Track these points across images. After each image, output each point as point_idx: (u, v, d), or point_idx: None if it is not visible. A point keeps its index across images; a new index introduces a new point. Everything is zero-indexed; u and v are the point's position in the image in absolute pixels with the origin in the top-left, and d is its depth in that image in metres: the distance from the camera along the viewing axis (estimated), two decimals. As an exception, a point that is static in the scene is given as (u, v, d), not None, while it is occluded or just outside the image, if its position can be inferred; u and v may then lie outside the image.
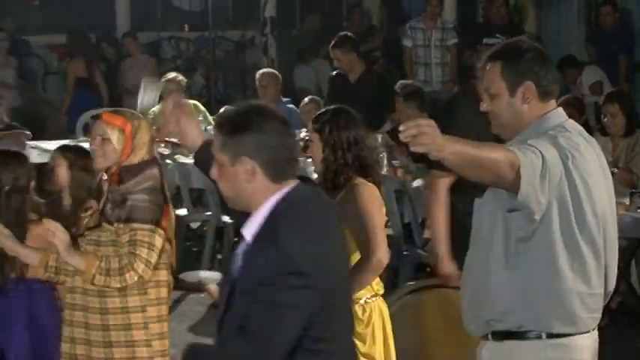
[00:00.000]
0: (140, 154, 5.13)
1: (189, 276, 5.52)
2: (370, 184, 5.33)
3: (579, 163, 4.05)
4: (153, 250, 4.99)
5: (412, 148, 3.72)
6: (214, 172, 3.76)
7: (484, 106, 4.24)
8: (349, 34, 11.38)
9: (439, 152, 3.73)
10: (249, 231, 3.56)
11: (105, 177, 5.13)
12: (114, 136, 5.06)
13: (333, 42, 10.95)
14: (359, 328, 5.19)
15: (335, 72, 11.40)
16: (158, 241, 5.02)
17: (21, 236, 5.27)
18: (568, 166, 4.01)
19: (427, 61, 12.83)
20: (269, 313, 3.36)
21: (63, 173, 5.59)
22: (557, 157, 3.98)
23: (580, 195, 4.04)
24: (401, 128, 3.66)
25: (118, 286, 4.96)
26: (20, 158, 5.70)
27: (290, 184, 3.58)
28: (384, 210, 5.39)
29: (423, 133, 3.67)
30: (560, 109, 4.21)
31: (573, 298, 4.08)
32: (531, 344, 4.14)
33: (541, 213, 3.97)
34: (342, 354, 3.65)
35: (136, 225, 4.97)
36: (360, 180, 5.30)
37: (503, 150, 3.89)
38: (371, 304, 5.37)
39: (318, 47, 15.69)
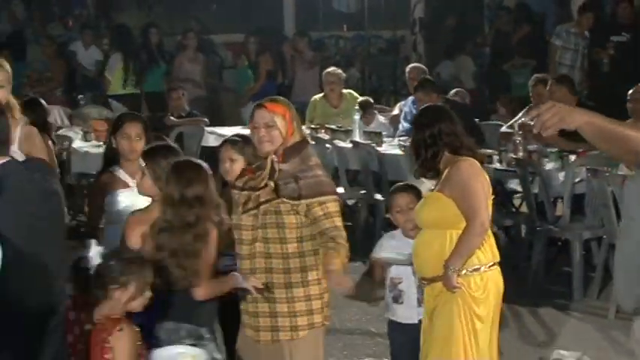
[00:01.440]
0: (296, 136, 5.18)
1: (381, 256, 5.63)
2: (469, 158, 5.36)
3: None
4: (340, 217, 5.08)
5: (544, 134, 3.67)
6: None
7: None
8: (430, 78, 11.12)
9: (572, 123, 3.65)
10: None
11: (275, 158, 5.17)
12: (279, 122, 5.11)
13: (416, 85, 10.67)
14: (477, 294, 5.25)
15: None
16: (339, 207, 5.11)
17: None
18: None
19: (573, 64, 12.59)
20: None
21: (238, 168, 5.59)
22: None
23: None
24: (528, 121, 3.60)
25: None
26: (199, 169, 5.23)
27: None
28: (483, 179, 5.36)
29: (552, 114, 3.59)
30: None
31: None
32: None
33: None
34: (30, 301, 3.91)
35: (323, 198, 5.03)
36: (458, 157, 5.35)
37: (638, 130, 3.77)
38: (489, 273, 5.32)
39: (462, 44, 15.60)
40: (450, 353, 5.27)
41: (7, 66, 5.93)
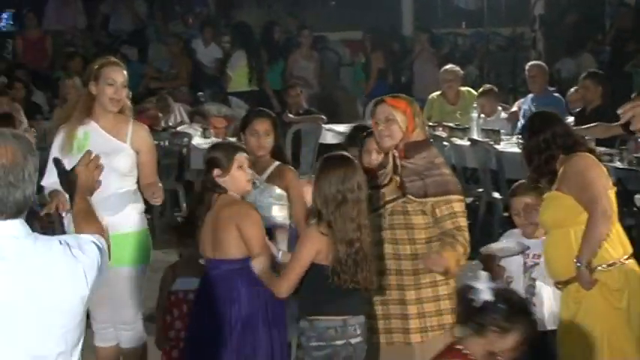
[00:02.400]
0: (419, 134, 5.16)
1: (492, 248, 5.57)
2: (583, 153, 5.31)
3: None
4: (465, 217, 5.06)
5: (631, 128, 3.64)
6: None
7: None
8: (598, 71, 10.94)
9: None
10: None
11: (396, 153, 5.17)
12: (398, 117, 5.11)
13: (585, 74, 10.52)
14: (617, 286, 5.17)
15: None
16: (464, 207, 5.09)
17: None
18: None
19: None
20: None
21: (376, 159, 5.57)
22: None
23: None
24: (619, 112, 3.58)
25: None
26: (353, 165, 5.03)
27: None
28: (600, 171, 5.29)
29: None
30: None
31: None
32: None
33: None
34: None
35: (449, 197, 5.01)
36: (572, 154, 5.28)
37: None
38: (626, 265, 5.24)
39: (582, 42, 15.35)
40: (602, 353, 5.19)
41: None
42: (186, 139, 11.07)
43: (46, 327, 2.96)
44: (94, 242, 3.15)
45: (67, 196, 5.61)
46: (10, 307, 2.91)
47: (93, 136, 5.83)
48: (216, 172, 5.20)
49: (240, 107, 13.44)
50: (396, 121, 5.08)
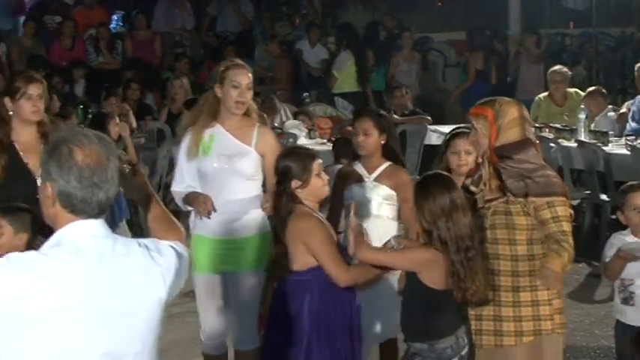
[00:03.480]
0: (514, 134, 5.03)
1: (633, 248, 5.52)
2: None
3: None
4: (569, 221, 4.94)
5: None
6: None
7: None
8: None
9: None
10: None
11: (480, 160, 5.11)
12: (479, 125, 5.06)
13: None
14: None
15: None
16: (568, 211, 4.97)
17: None
18: None
19: None
20: None
21: (472, 161, 5.53)
22: None
23: None
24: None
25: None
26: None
27: None
28: None
29: None
30: None
31: None
32: None
33: None
34: None
35: (552, 199, 4.90)
36: None
37: None
38: None
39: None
40: None
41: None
42: (292, 140, 11.15)
43: (122, 327, 2.98)
44: (172, 247, 3.16)
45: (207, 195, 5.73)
46: (87, 305, 2.92)
47: (218, 139, 5.85)
48: (294, 183, 5.08)
49: (345, 108, 13.50)
50: (477, 130, 5.05)
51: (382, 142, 5.97)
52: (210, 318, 5.98)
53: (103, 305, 2.94)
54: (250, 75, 5.92)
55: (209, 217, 5.75)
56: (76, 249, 2.95)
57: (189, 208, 5.88)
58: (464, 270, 4.66)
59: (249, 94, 5.89)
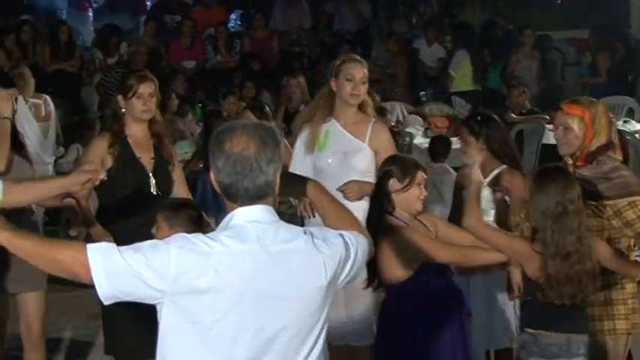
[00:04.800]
0: (602, 137, 4.99)
1: None
2: None
3: None
4: None
5: None
6: None
7: None
8: None
9: None
10: None
11: (570, 161, 5.03)
12: (575, 125, 4.96)
13: None
14: None
15: None
16: None
17: None
18: None
19: None
20: None
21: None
22: None
23: None
24: None
25: None
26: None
27: None
28: None
29: None
30: None
31: None
32: None
33: None
34: None
35: (633, 198, 4.84)
36: None
37: None
38: None
39: None
40: None
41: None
42: (407, 139, 11.11)
43: (276, 309, 3.10)
44: (342, 236, 3.25)
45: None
46: (240, 286, 3.06)
47: (333, 135, 5.91)
48: (392, 182, 5.00)
49: (462, 107, 13.40)
50: (572, 129, 4.95)
51: (482, 147, 5.87)
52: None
53: (257, 287, 3.08)
54: (365, 70, 5.96)
55: (308, 217, 5.81)
56: (238, 233, 3.11)
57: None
58: (558, 274, 4.61)
59: (363, 88, 5.93)
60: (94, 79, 13.75)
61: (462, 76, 13.88)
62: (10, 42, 13.80)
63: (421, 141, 11.22)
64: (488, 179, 5.85)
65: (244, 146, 3.14)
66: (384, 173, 5.08)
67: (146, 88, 5.75)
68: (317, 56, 15.50)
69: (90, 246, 3.06)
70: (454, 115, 12.43)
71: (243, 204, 3.17)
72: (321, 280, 3.16)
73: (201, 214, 4.92)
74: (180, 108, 11.56)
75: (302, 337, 3.16)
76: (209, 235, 3.12)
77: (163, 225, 4.83)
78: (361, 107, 5.99)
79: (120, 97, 5.78)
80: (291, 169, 6.02)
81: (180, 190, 5.91)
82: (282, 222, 3.20)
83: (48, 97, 10.26)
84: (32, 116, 9.93)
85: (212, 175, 3.20)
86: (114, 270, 3.01)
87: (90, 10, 17.08)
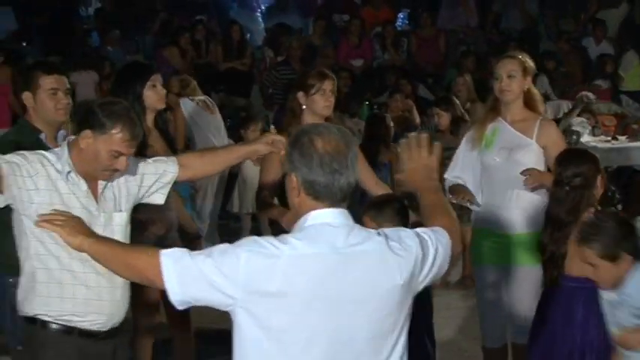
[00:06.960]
0: None
1: None
2: None
3: None
4: None
5: None
6: None
7: None
8: None
9: None
10: None
11: None
12: None
13: None
14: None
15: None
16: None
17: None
18: None
19: None
20: None
21: None
22: None
23: None
24: None
25: None
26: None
27: None
28: None
29: None
30: None
31: None
32: None
33: None
34: None
35: None
36: None
37: None
38: None
39: None
40: None
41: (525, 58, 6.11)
42: (575, 137, 11.00)
43: (348, 312, 3.06)
44: (417, 235, 3.22)
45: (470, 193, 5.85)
46: (309, 289, 3.02)
47: (500, 132, 5.97)
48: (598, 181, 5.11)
49: (629, 106, 13.18)
50: None
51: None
52: (490, 310, 6.06)
53: (328, 290, 3.04)
54: (511, 65, 5.93)
55: (468, 204, 5.90)
56: (309, 236, 3.08)
57: (454, 201, 5.95)
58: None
59: (512, 83, 5.90)
60: (263, 77, 14.04)
61: (631, 76, 13.64)
62: (185, 41, 14.23)
63: (589, 139, 11.09)
64: None
65: (335, 144, 3.12)
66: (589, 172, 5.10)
67: (328, 85, 5.91)
68: (484, 54, 15.46)
69: (163, 251, 3.08)
70: (622, 114, 12.23)
71: (332, 205, 3.13)
72: (395, 280, 3.11)
73: (405, 204, 4.90)
74: (347, 106, 11.70)
75: (380, 340, 3.11)
76: (280, 237, 3.08)
77: (372, 225, 4.66)
78: (529, 103, 6.00)
79: (301, 94, 5.93)
80: (454, 164, 6.12)
81: (366, 176, 5.98)
82: (356, 225, 3.16)
83: (207, 97, 10.79)
84: (202, 111, 10.38)
85: (293, 180, 3.14)
86: (185, 275, 3.03)
87: (259, 10, 17.43)
